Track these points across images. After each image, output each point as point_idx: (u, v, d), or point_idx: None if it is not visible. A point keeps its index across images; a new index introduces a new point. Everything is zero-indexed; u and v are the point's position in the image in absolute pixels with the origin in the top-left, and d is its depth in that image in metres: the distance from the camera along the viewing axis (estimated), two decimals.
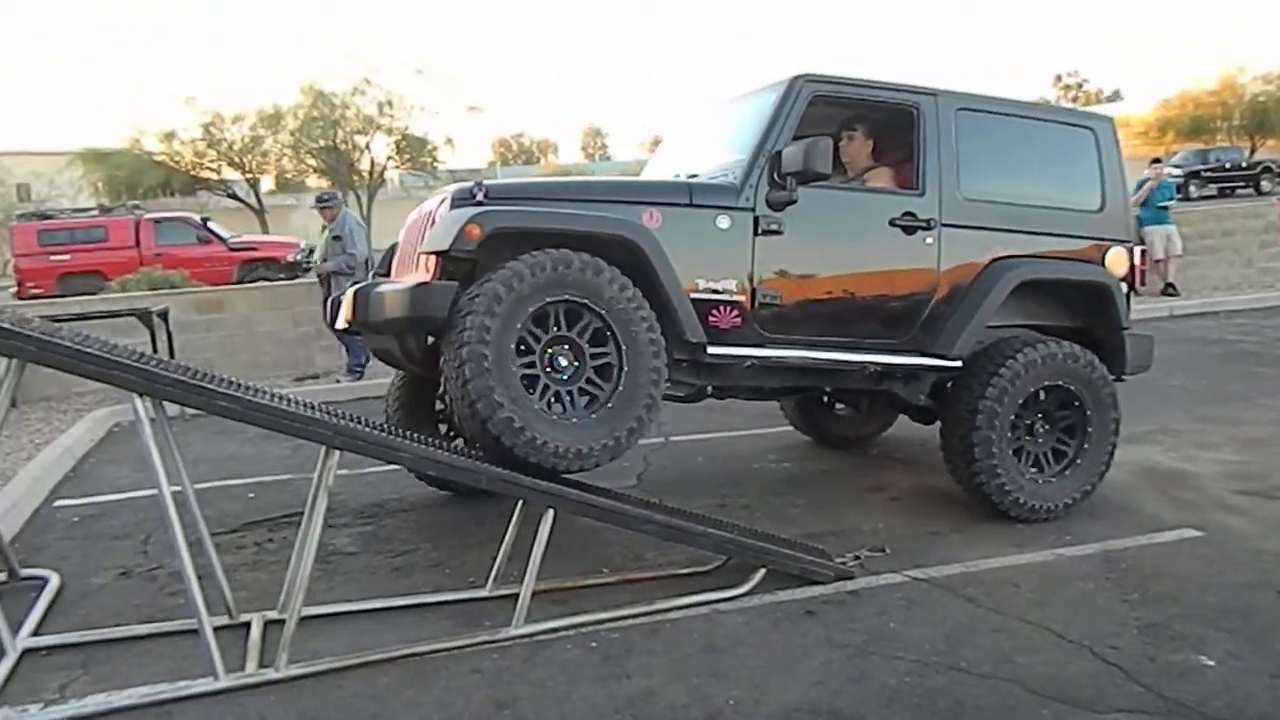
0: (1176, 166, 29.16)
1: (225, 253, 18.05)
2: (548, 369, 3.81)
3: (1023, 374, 4.47)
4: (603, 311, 3.80)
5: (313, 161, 34.02)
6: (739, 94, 4.88)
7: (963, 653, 3.33)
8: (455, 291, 3.71)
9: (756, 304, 4.25)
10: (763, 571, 3.93)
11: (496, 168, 61.75)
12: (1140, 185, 12.38)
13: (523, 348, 3.74)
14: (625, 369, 3.85)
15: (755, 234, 4.23)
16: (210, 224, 19.09)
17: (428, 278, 3.90)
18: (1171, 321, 10.97)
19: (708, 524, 4.00)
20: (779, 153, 4.20)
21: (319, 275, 9.11)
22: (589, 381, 3.87)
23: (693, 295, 4.10)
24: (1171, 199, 12.61)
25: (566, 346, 3.84)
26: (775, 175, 4.22)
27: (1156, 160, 13.09)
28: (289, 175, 37.35)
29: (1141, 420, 6.43)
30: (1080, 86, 79.34)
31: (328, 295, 8.53)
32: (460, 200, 3.98)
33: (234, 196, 32.39)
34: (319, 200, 9.24)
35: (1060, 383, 4.59)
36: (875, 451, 6.15)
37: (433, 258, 3.89)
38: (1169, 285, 12.13)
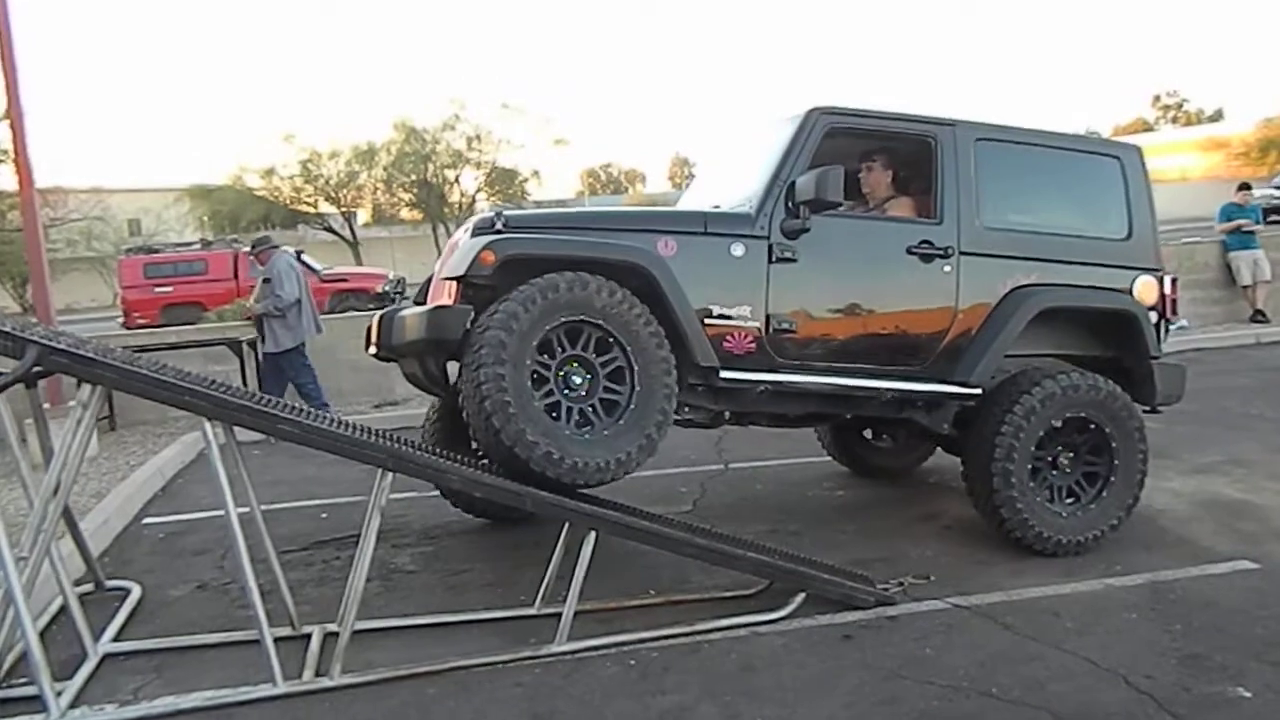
0: (1278, 188, 28.07)
1: (318, 284, 18.71)
2: (563, 387, 3.95)
3: (1043, 405, 4.44)
4: (613, 330, 3.93)
5: (405, 195, 35.18)
6: (764, 125, 4.99)
7: (996, 679, 3.35)
8: (471, 315, 3.88)
9: (771, 330, 4.33)
10: (802, 595, 4.00)
11: (585, 198, 62.69)
12: (1226, 212, 12.06)
13: (538, 367, 3.88)
14: (637, 387, 3.97)
15: (770, 261, 4.32)
16: (304, 256, 19.85)
17: (448, 302, 4.10)
18: (1258, 349, 10.64)
19: (749, 547, 4.11)
20: (793, 182, 4.30)
21: (247, 318, 9.10)
22: (602, 399, 3.99)
23: (707, 321, 4.21)
24: (1259, 223, 12.22)
25: (579, 365, 3.97)
26: (789, 204, 4.32)
27: (1245, 186, 12.72)
28: (382, 208, 38.56)
29: (1211, 450, 6.31)
30: (1180, 106, 76.89)
31: (261, 338, 8.62)
32: (481, 229, 4.18)
33: (330, 230, 33.61)
34: (253, 246, 9.08)
35: (1083, 414, 4.54)
36: (933, 480, 6.14)
37: (452, 283, 4.09)
38: (1258, 312, 11.73)
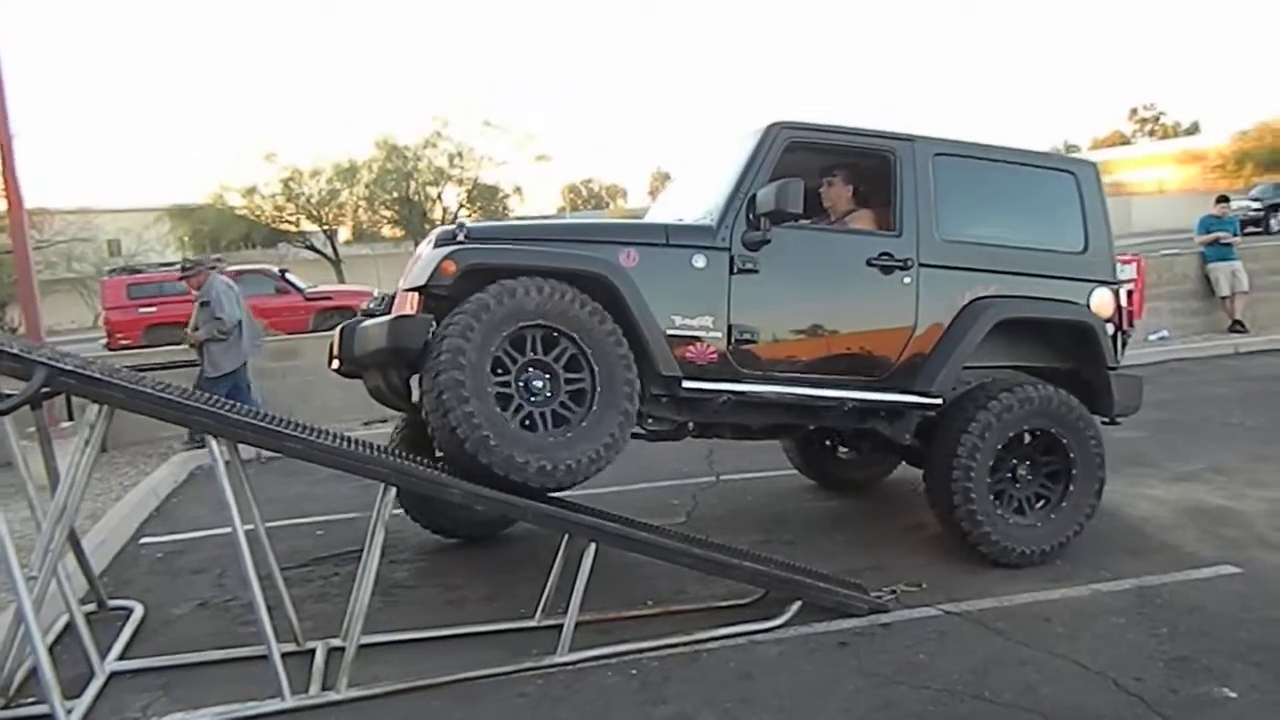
0: (1255, 200, 28.49)
1: (302, 302, 18.73)
2: (525, 393, 3.98)
3: (1001, 417, 4.51)
4: (569, 332, 3.98)
5: (387, 213, 35.16)
6: (727, 139, 5.06)
7: (988, 683, 3.44)
8: (431, 324, 3.91)
9: (733, 340, 4.39)
10: (798, 604, 4.08)
11: (566, 213, 62.87)
12: (1204, 225, 12.27)
13: (498, 371, 3.92)
14: (598, 389, 4.02)
15: (731, 273, 4.38)
16: (288, 275, 19.85)
17: (410, 312, 4.13)
18: (1236, 359, 10.82)
19: (744, 557, 4.18)
20: (754, 195, 4.37)
21: (190, 345, 8.69)
22: (568, 394, 4.03)
23: (669, 331, 4.26)
24: (1236, 235, 12.44)
25: (539, 369, 4.01)
26: (750, 216, 4.39)
27: (1223, 199, 12.95)
28: (364, 226, 38.51)
29: (1193, 458, 6.43)
30: (1157, 119, 77.88)
31: (201, 366, 8.36)
32: (443, 240, 4.24)
33: (311, 248, 33.53)
34: (182, 268, 8.80)
35: (1041, 425, 4.63)
36: (921, 489, 6.21)
37: (414, 294, 4.14)
38: (1236, 322, 11.92)
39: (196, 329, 8.43)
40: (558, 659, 3.71)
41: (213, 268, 8.76)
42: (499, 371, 3.93)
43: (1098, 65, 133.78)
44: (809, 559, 4.58)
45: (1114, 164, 51.27)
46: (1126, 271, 12.54)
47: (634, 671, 3.66)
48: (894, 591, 4.26)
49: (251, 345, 8.52)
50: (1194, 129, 66.72)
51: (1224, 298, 11.99)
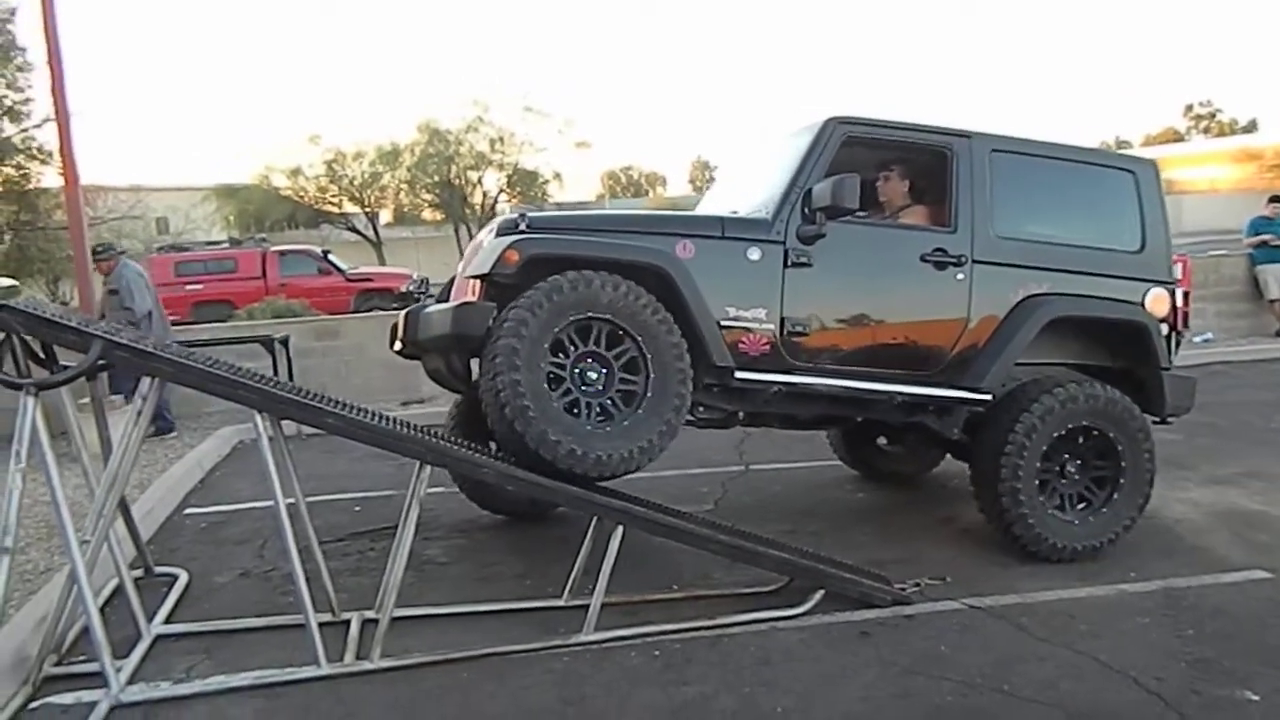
0: None
1: (343, 283, 19.06)
2: (579, 383, 4.06)
3: (1051, 414, 4.53)
4: (621, 323, 4.04)
5: (428, 196, 35.49)
6: (784, 133, 5.10)
7: (1008, 677, 3.47)
8: (493, 312, 4.01)
9: (785, 332, 4.44)
10: (821, 592, 4.14)
11: (605, 200, 62.95)
12: (1254, 226, 12.06)
13: (557, 352, 4.01)
14: (649, 394, 4.09)
15: (785, 266, 4.44)
16: (330, 256, 20.18)
17: (472, 299, 4.24)
18: None
19: (769, 545, 4.24)
20: (810, 189, 4.42)
21: None
22: (619, 392, 4.11)
23: (723, 322, 4.32)
24: None
25: (594, 360, 4.09)
26: (806, 210, 4.43)
27: (1276, 199, 12.71)
28: (405, 209, 38.88)
29: (1230, 462, 6.37)
30: (1213, 116, 76.17)
31: None
32: (505, 229, 4.34)
33: (354, 229, 33.95)
34: (94, 253, 8.30)
35: (1091, 423, 4.63)
36: (952, 484, 6.24)
37: (476, 281, 4.24)
38: None
39: (103, 316, 7.88)
40: (584, 638, 3.80)
41: (124, 252, 8.35)
42: (558, 353, 4.02)
43: (1153, 61, 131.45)
44: (834, 550, 4.63)
45: (1166, 161, 50.13)
46: (1173, 272, 12.31)
47: (657, 653, 3.74)
48: (918, 584, 4.29)
49: (164, 337, 7.83)
50: (1251, 126, 65.27)
51: (1272, 301, 11.79)
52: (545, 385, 3.95)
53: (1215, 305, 12.05)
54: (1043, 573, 4.50)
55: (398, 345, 4.88)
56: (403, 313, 4.77)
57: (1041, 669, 3.53)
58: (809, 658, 3.68)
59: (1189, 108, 78.06)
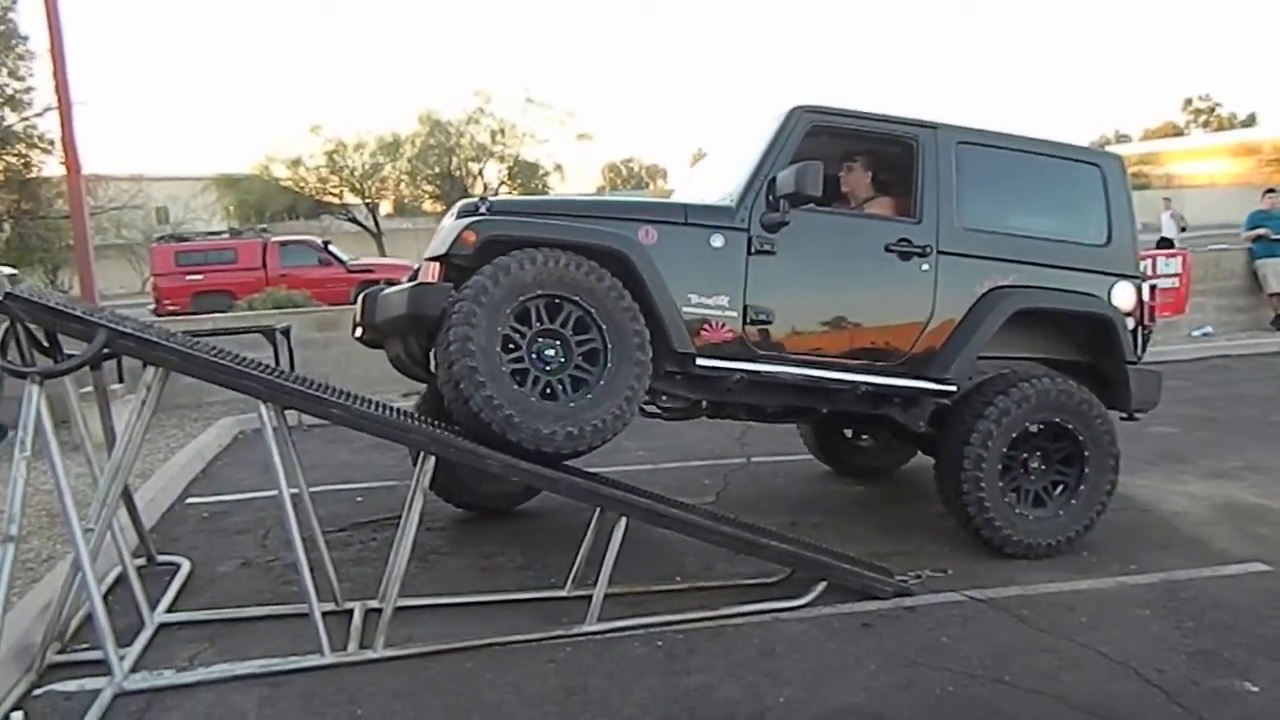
0: None
1: (344, 274, 19.04)
2: (536, 360, 4.03)
3: (1014, 408, 4.51)
4: (574, 297, 4.02)
5: (428, 187, 35.42)
6: (750, 121, 5.07)
7: (1009, 668, 3.49)
8: (450, 292, 3.97)
9: (748, 320, 4.42)
10: (823, 584, 4.15)
11: (605, 192, 62.86)
12: (1252, 220, 12.07)
13: (509, 348, 3.97)
14: (609, 344, 4.05)
15: (749, 254, 4.41)
16: (331, 247, 20.15)
17: (430, 280, 4.22)
18: None
19: (772, 537, 4.25)
20: (774, 177, 4.39)
21: None
22: (578, 365, 4.08)
23: (685, 309, 4.30)
24: None
25: (549, 337, 4.06)
26: (770, 198, 4.41)
27: (1271, 190, 12.71)
28: (406, 200, 38.80)
29: (1230, 456, 6.39)
30: (1212, 110, 76.03)
31: None
32: (465, 211, 4.33)
33: (354, 220, 33.89)
34: None
35: (1055, 418, 4.62)
36: None
37: (435, 263, 4.23)
38: None
39: None
40: (586, 628, 3.82)
41: None
42: (510, 348, 3.98)
43: (1153, 55, 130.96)
44: (836, 542, 4.66)
45: (1165, 155, 50.24)
46: (1172, 266, 12.37)
47: (660, 643, 3.75)
48: (919, 576, 4.31)
49: None
50: (1250, 121, 65.12)
51: (1272, 294, 11.81)
52: (516, 387, 3.92)
53: (1215, 299, 12.08)
54: (1043, 565, 4.51)
55: (358, 331, 4.79)
56: (360, 296, 4.69)
57: (1042, 660, 3.55)
58: (811, 648, 3.69)
59: (1188, 102, 78.01)
